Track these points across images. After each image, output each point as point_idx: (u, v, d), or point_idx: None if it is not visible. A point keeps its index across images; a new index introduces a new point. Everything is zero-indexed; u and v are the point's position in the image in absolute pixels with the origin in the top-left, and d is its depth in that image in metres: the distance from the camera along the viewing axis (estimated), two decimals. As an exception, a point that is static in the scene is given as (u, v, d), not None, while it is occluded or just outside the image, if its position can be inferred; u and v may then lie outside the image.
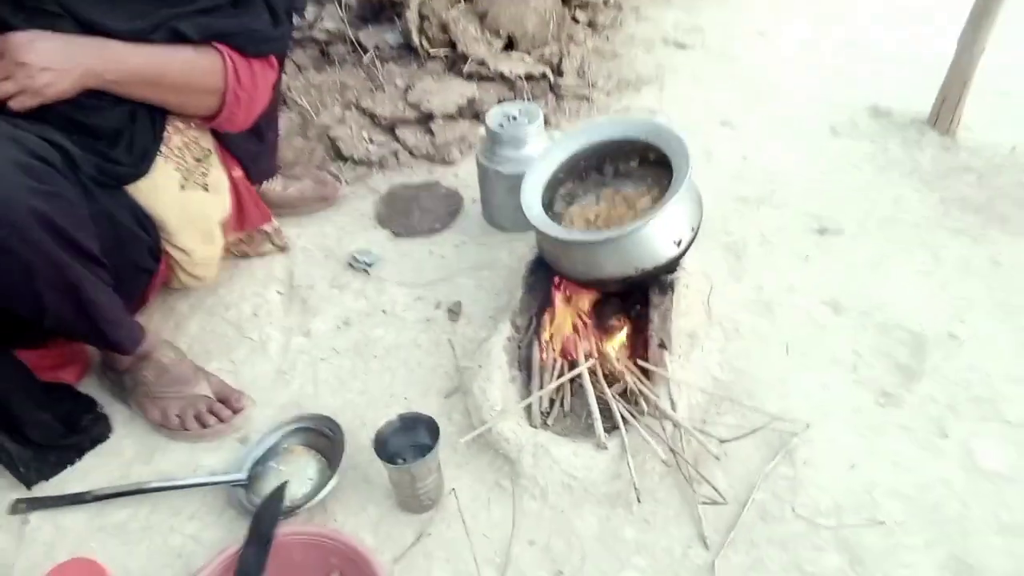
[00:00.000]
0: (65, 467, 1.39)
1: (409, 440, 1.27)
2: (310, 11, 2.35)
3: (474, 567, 1.22)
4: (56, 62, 1.20)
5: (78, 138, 1.26)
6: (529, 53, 2.23)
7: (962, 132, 2.02)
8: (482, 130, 1.80)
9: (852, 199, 1.88)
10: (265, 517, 1.19)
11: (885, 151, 2.01)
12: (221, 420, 1.42)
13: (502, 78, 2.15)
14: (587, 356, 1.45)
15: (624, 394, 1.42)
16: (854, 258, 1.73)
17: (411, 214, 1.84)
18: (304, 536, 1.18)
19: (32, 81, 1.18)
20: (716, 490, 1.27)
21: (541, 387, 1.43)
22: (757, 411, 1.39)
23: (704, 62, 2.42)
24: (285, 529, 1.18)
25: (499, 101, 2.09)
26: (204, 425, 1.41)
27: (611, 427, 1.35)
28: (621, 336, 1.49)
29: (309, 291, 1.69)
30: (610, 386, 1.42)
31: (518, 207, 1.51)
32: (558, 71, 2.24)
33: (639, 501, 1.28)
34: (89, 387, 1.52)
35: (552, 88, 2.20)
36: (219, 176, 1.51)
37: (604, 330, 1.51)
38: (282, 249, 1.78)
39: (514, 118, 1.72)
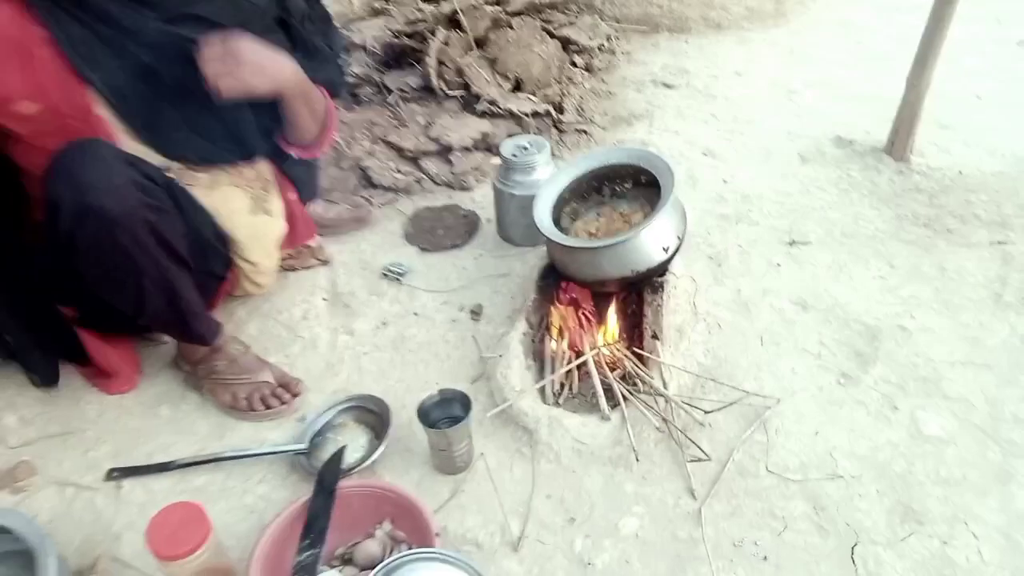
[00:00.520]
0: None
1: (445, 412, 1.50)
2: (340, 58, 2.62)
3: (502, 516, 1.44)
4: (268, 67, 1.42)
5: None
6: (534, 93, 2.50)
7: (915, 158, 2.28)
8: (496, 159, 2.04)
9: (818, 216, 2.13)
10: (328, 474, 1.42)
11: (848, 175, 2.27)
12: (282, 402, 1.65)
13: (511, 115, 2.40)
14: (591, 346, 1.69)
15: (624, 377, 1.66)
16: (819, 265, 1.97)
17: (435, 232, 2.08)
18: (361, 488, 1.41)
19: (247, 77, 1.38)
20: (701, 450, 1.50)
21: (553, 372, 1.66)
22: (736, 389, 1.63)
23: (688, 99, 2.68)
24: (344, 483, 1.41)
25: (508, 135, 2.34)
26: (268, 407, 1.64)
27: (613, 404, 1.59)
28: (617, 328, 1.73)
29: (350, 297, 1.93)
30: (612, 371, 1.65)
31: (529, 224, 1.76)
32: (560, 109, 2.50)
33: (637, 461, 1.50)
34: (163, 380, 1.75)
35: (555, 124, 2.46)
36: (278, 204, 1.75)
37: (605, 324, 1.75)
38: (325, 263, 2.02)
39: (525, 148, 1.97)
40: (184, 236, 1.46)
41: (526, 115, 2.41)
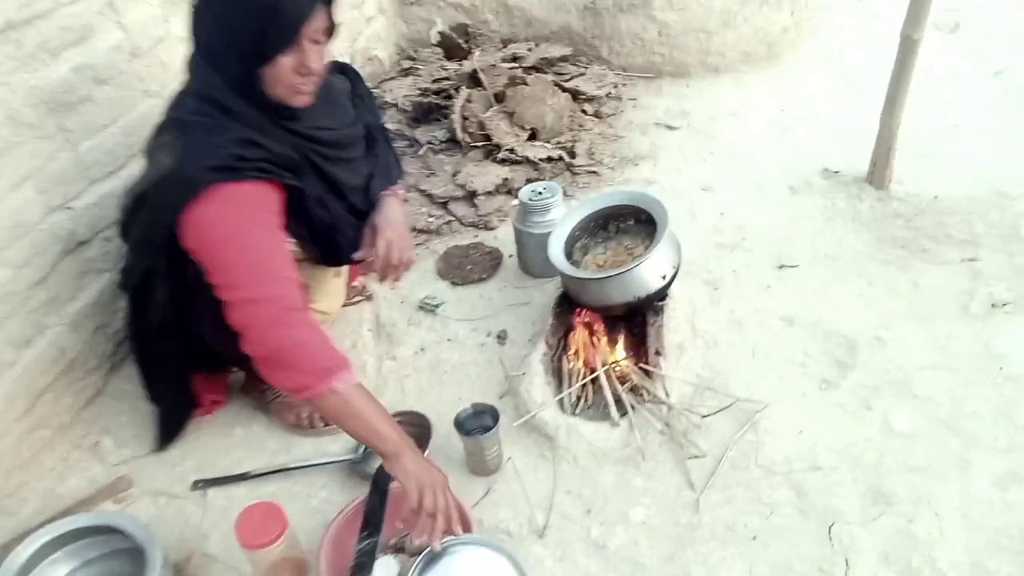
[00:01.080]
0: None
1: (478, 423, 1.74)
2: (374, 116, 2.91)
3: (528, 509, 1.67)
4: (404, 240, 1.79)
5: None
6: (548, 141, 2.75)
7: (894, 185, 2.49)
8: (515, 202, 2.29)
9: (805, 242, 2.34)
10: (381, 477, 1.66)
11: (833, 204, 2.48)
12: (337, 420, 1.90)
13: (528, 161, 2.66)
14: (603, 363, 1.92)
15: (632, 389, 1.88)
16: (805, 286, 2.18)
17: (464, 268, 2.33)
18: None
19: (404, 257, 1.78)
20: (698, 448, 1.72)
21: (570, 386, 1.89)
22: (729, 396, 1.85)
23: (689, 139, 2.92)
24: (395, 484, 1.65)
25: (527, 180, 2.59)
26: (325, 424, 1.89)
27: (622, 412, 1.81)
28: (625, 347, 1.97)
29: (392, 328, 2.18)
30: (621, 384, 1.88)
31: (546, 258, 2.01)
32: (572, 153, 2.75)
33: (643, 459, 1.73)
34: (235, 404, 2.00)
35: (568, 167, 2.71)
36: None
37: (614, 344, 1.98)
38: (369, 299, 2.27)
39: (540, 193, 2.22)
40: None
41: (542, 161, 2.66)
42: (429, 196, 2.57)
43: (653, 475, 1.72)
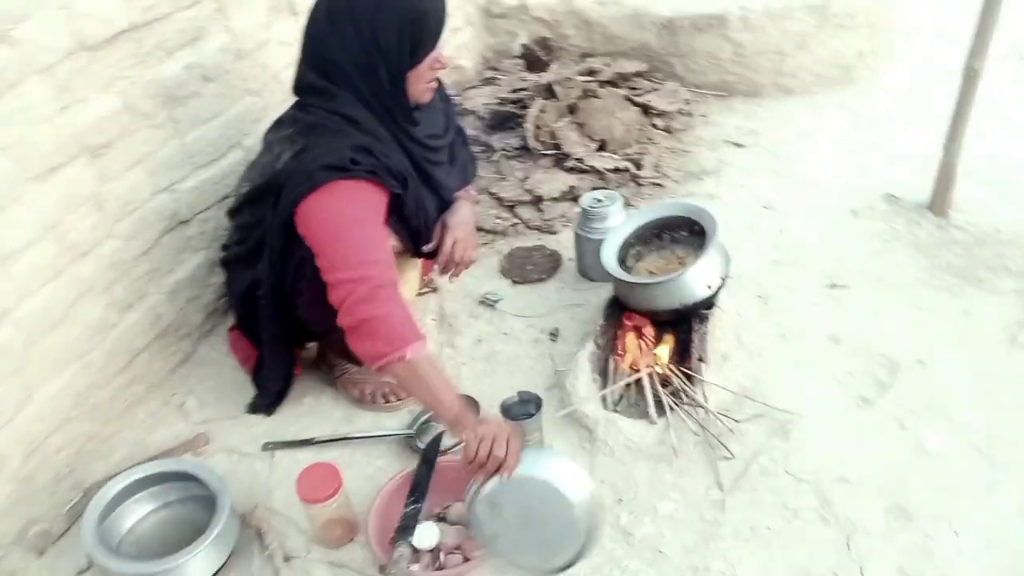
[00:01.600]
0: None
1: (523, 410, 1.85)
2: (454, 120, 3.07)
3: (563, 494, 1.78)
4: (469, 240, 2.00)
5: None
6: (616, 153, 2.85)
7: (954, 213, 2.49)
8: (578, 208, 2.40)
9: (860, 264, 2.37)
10: (430, 451, 1.79)
11: (892, 228, 2.50)
12: (398, 399, 2.03)
13: (595, 171, 2.76)
14: (647, 365, 2.01)
15: (673, 392, 1.97)
16: (855, 306, 2.22)
17: (525, 268, 2.45)
18: (455, 463, 1.78)
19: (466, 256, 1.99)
20: (728, 450, 1.80)
21: (613, 384, 1.99)
22: (765, 405, 1.91)
23: (755, 158, 2.97)
24: (442, 459, 1.78)
25: (592, 189, 2.70)
26: (387, 401, 2.04)
27: (660, 413, 1.90)
28: (670, 351, 2.05)
29: (454, 319, 2.31)
30: (663, 386, 1.97)
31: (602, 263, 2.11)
32: (638, 165, 2.84)
33: (676, 457, 1.81)
34: (306, 376, 2.17)
35: (633, 178, 2.80)
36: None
37: (660, 347, 2.06)
38: (435, 291, 2.42)
39: (600, 201, 2.33)
40: None
41: (608, 171, 2.76)
42: (498, 199, 2.70)
43: (684, 473, 1.80)
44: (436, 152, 1.94)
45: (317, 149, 1.68)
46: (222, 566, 1.68)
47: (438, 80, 1.94)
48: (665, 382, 1.98)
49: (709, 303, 2.04)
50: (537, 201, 2.68)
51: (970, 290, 2.24)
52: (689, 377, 1.97)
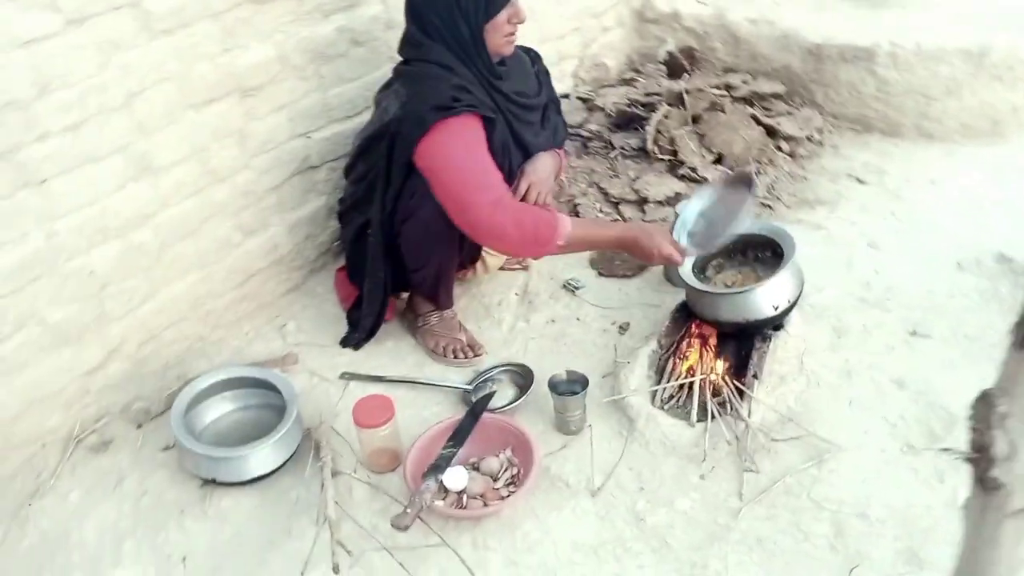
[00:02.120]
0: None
1: (569, 388, 1.98)
2: (582, 115, 3.20)
3: (591, 471, 1.89)
4: (543, 185, 2.18)
5: None
6: (732, 168, 2.90)
7: (1068, 286, 2.40)
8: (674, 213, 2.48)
9: (950, 317, 2.32)
10: (478, 405, 1.96)
11: (995, 288, 2.43)
12: (467, 357, 2.22)
13: (706, 182, 2.83)
14: (702, 372, 2.09)
15: (720, 404, 2.04)
16: (930, 356, 2.19)
17: (613, 262, 2.56)
18: (498, 421, 1.94)
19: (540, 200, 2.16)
20: (754, 463, 1.86)
21: (666, 383, 2.09)
22: (807, 431, 1.95)
23: (875, 196, 2.93)
24: (488, 415, 1.94)
25: (699, 198, 2.76)
26: (456, 357, 2.22)
27: (701, 419, 1.98)
28: (728, 363, 2.11)
29: (535, 297, 2.46)
30: (714, 395, 2.04)
31: (686, 268, 2.20)
32: (752, 184, 2.88)
33: (704, 460, 1.89)
34: (394, 323, 2.39)
35: (743, 196, 2.84)
36: None
37: (720, 358, 2.13)
38: (525, 269, 2.57)
39: (695, 209, 2.41)
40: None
41: (719, 184, 2.82)
42: (605, 194, 2.82)
43: (709, 477, 1.88)
44: (525, 110, 2.16)
45: (422, 95, 1.94)
46: (280, 467, 1.92)
47: (534, 52, 2.20)
48: (716, 391, 2.05)
49: (776, 323, 2.09)
50: (642, 202, 2.77)
51: (1062, 364, 2.16)
52: (740, 391, 2.03)
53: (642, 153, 2.98)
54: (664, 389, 2.07)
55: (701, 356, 2.13)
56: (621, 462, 1.92)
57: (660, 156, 2.93)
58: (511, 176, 2.12)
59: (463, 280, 2.47)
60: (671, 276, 2.49)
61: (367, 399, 1.91)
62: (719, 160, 2.93)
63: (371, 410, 1.87)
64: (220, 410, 2.07)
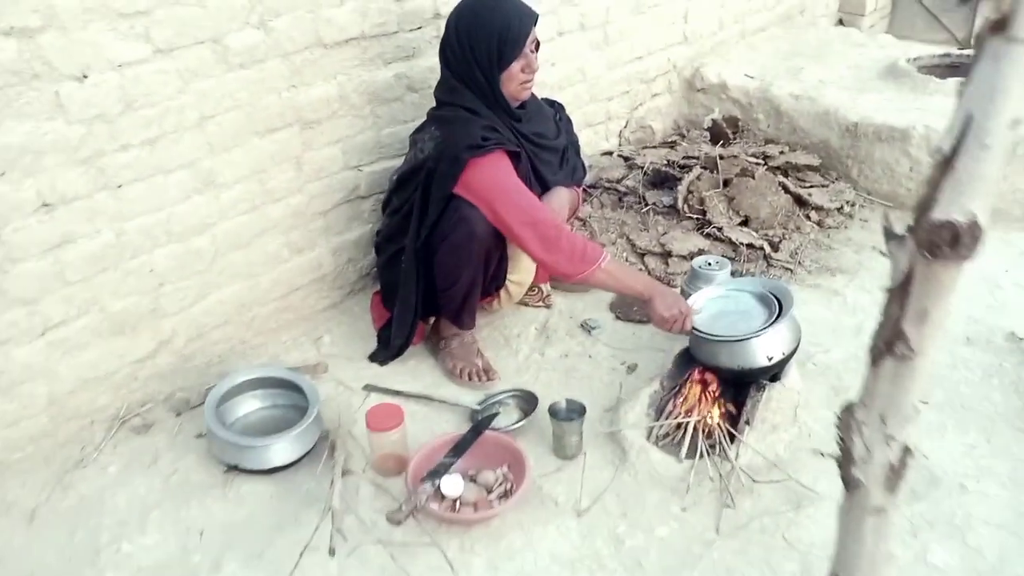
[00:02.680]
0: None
1: (569, 415, 2.13)
2: (622, 171, 3.38)
3: (579, 493, 2.02)
4: (555, 210, 2.36)
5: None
6: (757, 231, 3.03)
7: (1074, 368, 2.44)
8: (690, 267, 2.62)
9: (950, 388, 2.38)
10: (480, 423, 2.12)
11: (1000, 364, 2.49)
12: (480, 380, 2.38)
13: (730, 242, 2.96)
14: (698, 415, 2.20)
15: (711, 446, 2.15)
16: (924, 421, 2.25)
17: (631, 308, 2.70)
18: (497, 439, 2.09)
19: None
20: (732, 499, 1.96)
21: (663, 421, 2.21)
22: (790, 476, 2.05)
23: (896, 270, 3.02)
24: (489, 433, 2.10)
25: (722, 255, 2.90)
26: (470, 379, 2.38)
27: (691, 456, 2.09)
28: (724, 408, 2.23)
29: (552, 332, 2.62)
30: (705, 436, 2.16)
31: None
32: (775, 247, 3.00)
33: (687, 493, 2.00)
34: (420, 345, 2.58)
35: (766, 257, 2.96)
36: None
37: (717, 403, 2.25)
38: (547, 306, 2.74)
39: (710, 264, 2.55)
40: (499, 262, 2.31)
41: (743, 244, 2.95)
42: (632, 245, 2.98)
43: (690, 510, 1.98)
44: (544, 150, 2.38)
45: (454, 136, 2.17)
46: (297, 460, 2.10)
47: (558, 104, 2.47)
48: (709, 434, 2.17)
49: (772, 374, 2.20)
50: (667, 255, 2.92)
51: (1055, 440, 2.21)
52: (731, 435, 2.14)
53: (672, 210, 3.14)
54: (660, 426, 2.19)
55: (700, 400, 2.25)
56: (609, 488, 2.04)
57: (689, 214, 3.08)
58: None
59: (489, 311, 2.65)
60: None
61: (380, 406, 2.08)
62: (745, 223, 3.07)
63: (382, 416, 2.04)
64: (250, 406, 2.27)
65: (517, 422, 2.20)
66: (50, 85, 1.84)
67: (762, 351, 2.15)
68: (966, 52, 4.02)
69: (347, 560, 1.86)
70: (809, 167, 3.41)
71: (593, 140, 3.56)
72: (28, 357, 2.02)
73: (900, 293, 0.82)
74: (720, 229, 2.99)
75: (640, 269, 2.92)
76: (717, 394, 2.26)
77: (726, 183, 3.16)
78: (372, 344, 2.56)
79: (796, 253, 3.03)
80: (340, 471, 2.05)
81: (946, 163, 0.74)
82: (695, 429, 2.15)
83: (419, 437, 2.17)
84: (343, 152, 2.56)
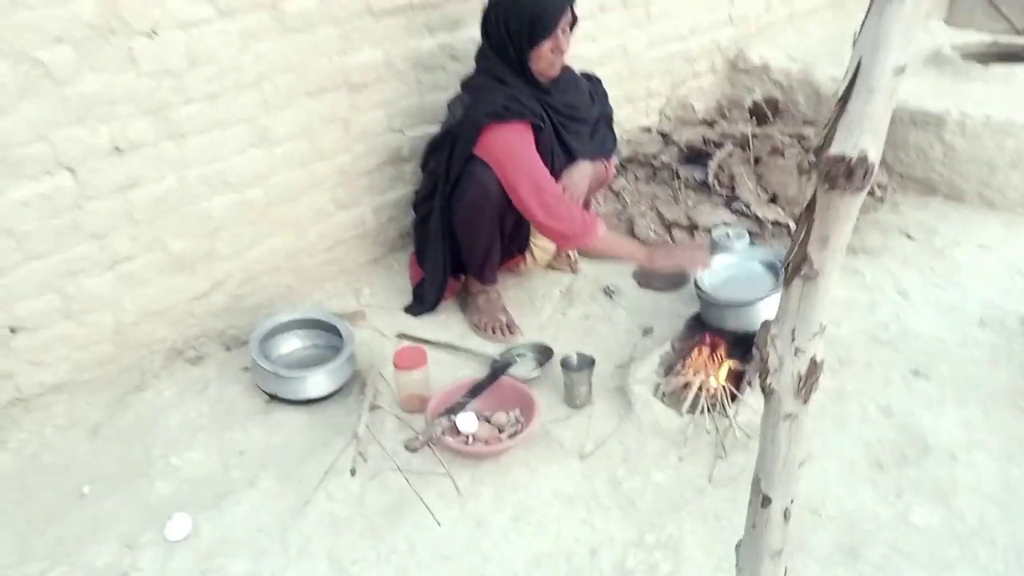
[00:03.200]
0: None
1: (578, 366, 2.28)
2: (658, 146, 3.48)
3: (584, 438, 2.17)
4: (578, 188, 2.53)
5: None
6: (784, 208, 3.11)
7: (1083, 355, 2.48)
8: (709, 237, 2.74)
9: (957, 365, 2.45)
10: (497, 369, 2.28)
11: (1009, 345, 2.53)
12: (503, 334, 2.54)
13: (756, 218, 3.05)
14: (704, 375, 2.33)
15: (712, 404, 2.27)
16: (924, 395, 2.33)
17: (654, 276, 2.82)
18: (512, 384, 2.25)
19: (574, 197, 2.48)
20: (724, 449, 2.09)
21: (671, 377, 2.34)
22: (784, 436, 2.16)
23: (919, 252, 3.05)
24: (504, 378, 2.26)
25: (747, 231, 2.99)
26: (494, 333, 2.55)
27: (692, 411, 2.22)
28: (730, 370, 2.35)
29: (576, 296, 2.76)
30: (708, 394, 2.28)
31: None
32: (800, 226, 3.07)
33: (685, 444, 2.14)
34: (453, 300, 2.74)
35: (790, 233, 3.05)
36: None
37: (723, 364, 2.36)
38: (574, 271, 2.88)
39: (729, 235, 2.65)
40: (516, 225, 2.47)
41: (768, 220, 3.04)
42: (660, 216, 3.09)
43: (686, 459, 2.12)
44: (575, 122, 2.51)
45: (479, 102, 2.35)
46: (331, 394, 2.30)
47: (596, 77, 2.63)
48: (712, 392, 2.29)
49: (776, 341, 2.31)
50: (693, 228, 3.03)
51: (1051, 418, 2.27)
52: (732, 395, 2.26)
53: (704, 186, 3.23)
54: (667, 382, 2.33)
55: (707, 361, 2.37)
56: (613, 436, 2.19)
57: (719, 190, 3.18)
58: (555, 173, 2.45)
59: (516, 272, 2.80)
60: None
61: (406, 348, 2.27)
62: (774, 199, 3.15)
63: (408, 357, 2.22)
64: (292, 345, 2.47)
65: (532, 371, 2.35)
66: (124, 40, 2.04)
67: (766, 315, 2.24)
68: (1017, 41, 3.98)
69: (368, 483, 2.05)
70: (844, 150, 3.45)
71: (632, 116, 3.65)
72: (97, 288, 2.25)
73: (805, 220, 0.94)
74: (748, 205, 3.08)
75: (665, 240, 3.04)
76: (724, 356, 2.38)
77: (757, 161, 3.24)
78: (408, 298, 2.74)
79: (821, 232, 3.09)
80: (368, 405, 2.24)
81: (841, 104, 0.85)
82: (699, 388, 2.28)
83: (443, 381, 2.34)
84: (387, 115, 2.73)
